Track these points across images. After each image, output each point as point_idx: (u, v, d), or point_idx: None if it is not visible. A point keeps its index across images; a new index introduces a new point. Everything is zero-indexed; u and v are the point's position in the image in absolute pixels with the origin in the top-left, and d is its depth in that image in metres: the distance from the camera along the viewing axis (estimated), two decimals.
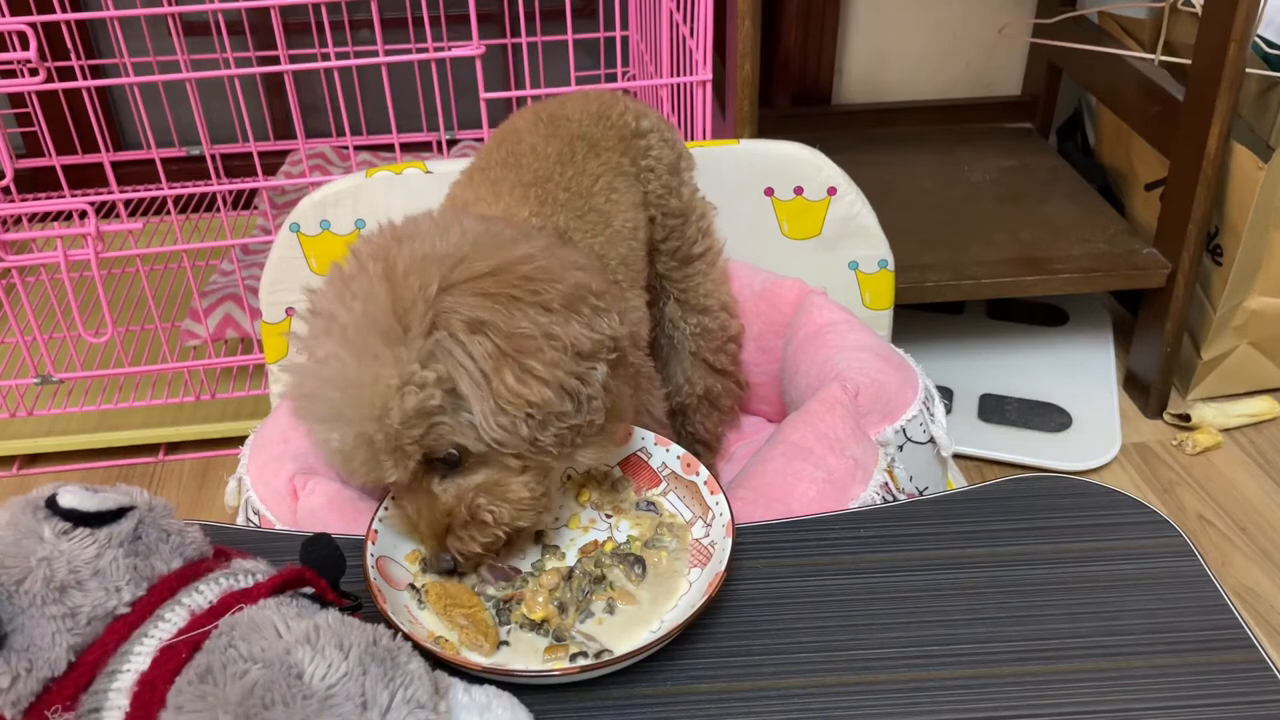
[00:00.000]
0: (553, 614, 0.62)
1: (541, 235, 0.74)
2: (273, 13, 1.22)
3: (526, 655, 0.60)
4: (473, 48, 1.20)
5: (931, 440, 0.90)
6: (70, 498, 0.53)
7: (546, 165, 0.83)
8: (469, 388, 0.62)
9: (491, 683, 0.55)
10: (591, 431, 0.65)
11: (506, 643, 0.61)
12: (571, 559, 0.67)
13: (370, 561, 0.63)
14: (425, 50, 1.40)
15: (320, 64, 1.25)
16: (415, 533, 0.66)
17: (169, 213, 1.50)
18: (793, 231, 1.10)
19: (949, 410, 1.48)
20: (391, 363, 0.60)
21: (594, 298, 0.65)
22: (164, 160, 1.34)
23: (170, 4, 1.58)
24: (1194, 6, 1.45)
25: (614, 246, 0.84)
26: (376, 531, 0.65)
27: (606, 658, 0.58)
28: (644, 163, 0.91)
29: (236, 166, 1.88)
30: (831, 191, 1.08)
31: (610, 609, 0.63)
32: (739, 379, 1.04)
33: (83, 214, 1.28)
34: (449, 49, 1.34)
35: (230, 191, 1.42)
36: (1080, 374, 1.57)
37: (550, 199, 0.81)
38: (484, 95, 1.21)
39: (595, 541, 0.67)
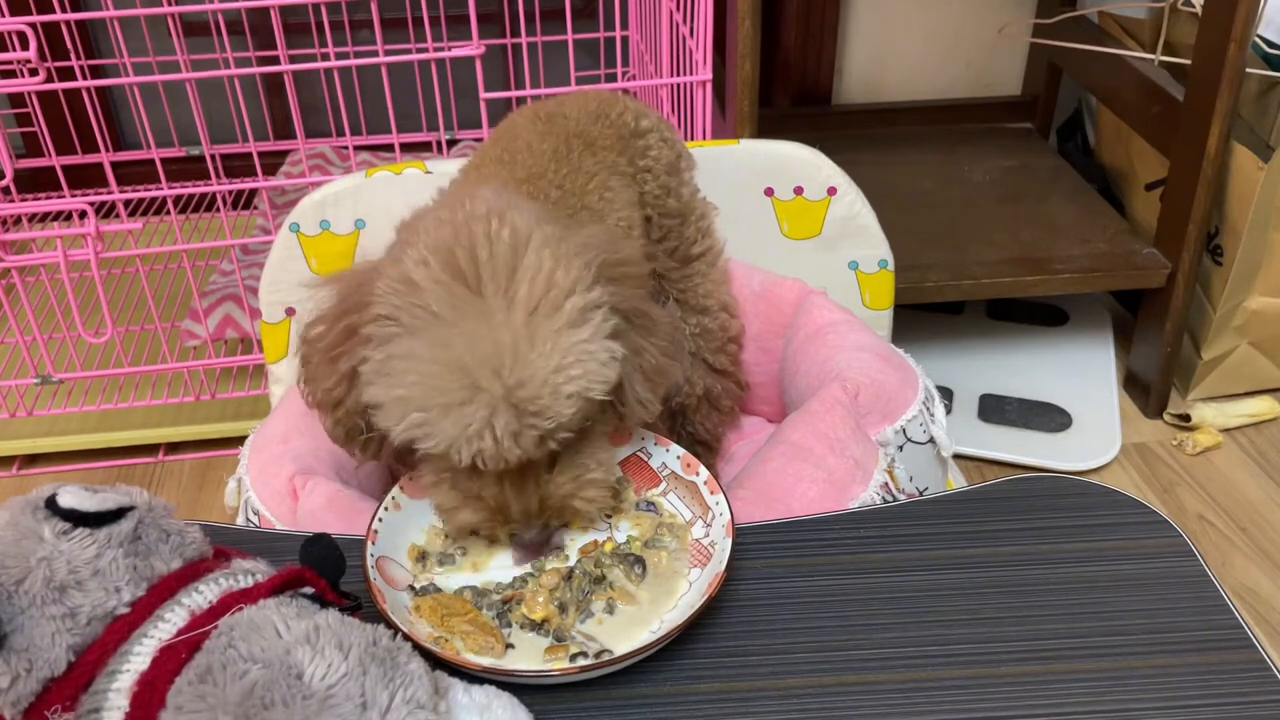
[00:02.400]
0: (553, 614, 0.62)
1: (592, 224, 0.80)
2: (273, 13, 1.22)
3: (527, 655, 0.60)
4: (473, 48, 1.20)
5: (931, 440, 0.90)
6: (70, 498, 0.53)
7: (540, 162, 0.83)
8: (629, 370, 0.66)
9: (491, 683, 0.55)
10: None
11: (512, 645, 0.61)
12: (572, 558, 0.67)
13: (370, 561, 0.62)
14: (425, 50, 1.40)
15: (320, 64, 1.26)
16: (499, 518, 0.65)
17: (169, 213, 1.50)
18: (793, 231, 1.10)
19: (949, 410, 1.48)
20: (573, 343, 0.61)
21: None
22: (164, 160, 1.34)
23: (170, 4, 1.58)
24: (1194, 6, 1.45)
25: None
26: (376, 531, 0.65)
27: (606, 658, 0.58)
28: (642, 163, 0.91)
29: (236, 166, 1.88)
30: (831, 191, 1.08)
31: (610, 609, 0.63)
32: (739, 379, 1.04)
33: (82, 214, 1.28)
34: (449, 49, 1.34)
35: (230, 191, 1.41)
36: (1080, 374, 1.57)
37: (541, 196, 0.81)
38: (484, 95, 1.21)
39: (595, 541, 0.67)
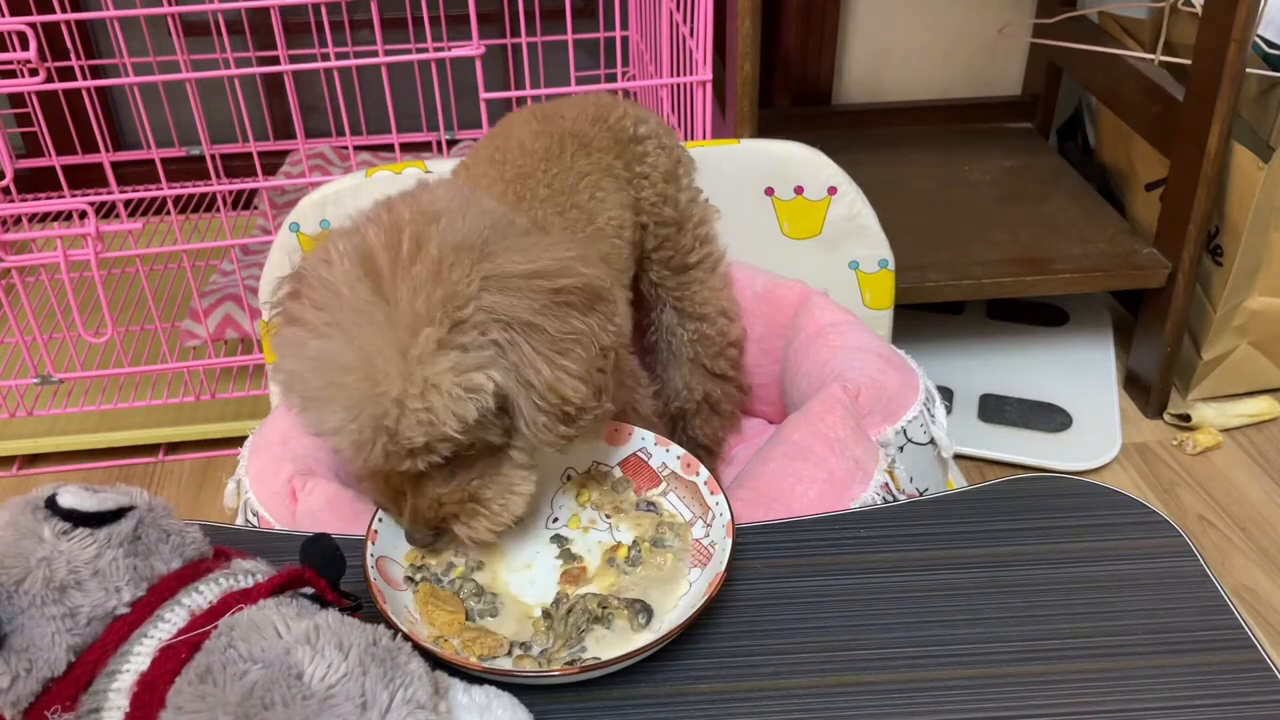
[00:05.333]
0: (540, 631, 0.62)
1: (556, 230, 0.76)
2: (273, 13, 1.22)
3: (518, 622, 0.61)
4: (473, 48, 1.20)
5: (932, 441, 0.90)
6: (70, 498, 0.53)
7: (531, 161, 0.83)
8: (514, 390, 0.62)
9: (491, 683, 0.55)
10: (597, 423, 0.67)
11: (526, 643, 0.61)
12: (579, 548, 0.67)
13: (370, 561, 0.62)
14: (425, 50, 1.40)
15: (320, 64, 1.25)
16: (394, 506, 0.65)
17: (169, 213, 1.50)
18: (793, 231, 1.10)
19: (949, 410, 1.48)
20: (448, 368, 0.59)
21: (607, 293, 0.66)
22: (164, 160, 1.34)
23: (170, 4, 1.58)
24: (1194, 6, 1.45)
25: (595, 243, 0.84)
26: (376, 531, 0.65)
27: (606, 657, 0.58)
28: (639, 169, 0.91)
29: (236, 166, 1.88)
30: (832, 191, 1.08)
31: (608, 625, 0.62)
32: (740, 383, 1.04)
33: (83, 214, 1.27)
34: (449, 49, 1.34)
35: (230, 191, 1.41)
36: (1080, 374, 1.57)
37: (530, 194, 0.81)
38: (484, 95, 1.21)
39: (617, 543, 0.68)
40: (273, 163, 1.82)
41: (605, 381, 0.65)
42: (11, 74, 1.53)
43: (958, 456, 1.42)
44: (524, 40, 1.75)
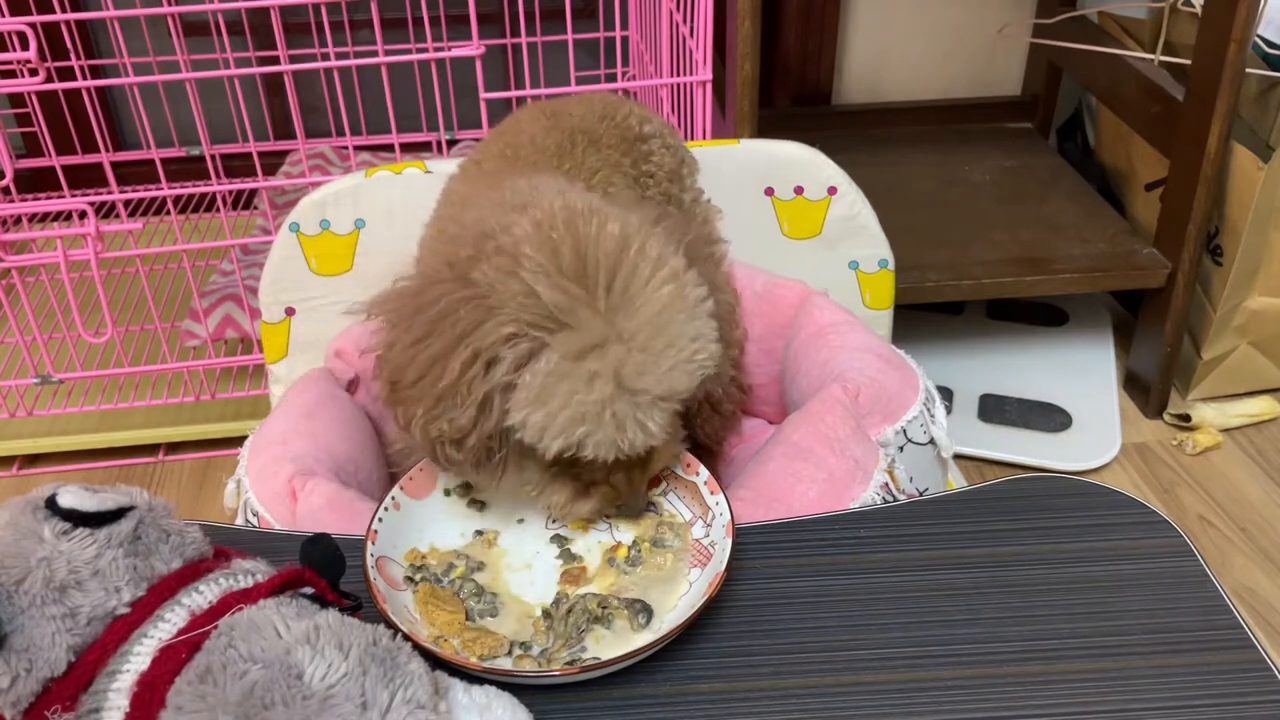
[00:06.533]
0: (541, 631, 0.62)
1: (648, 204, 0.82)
2: (273, 13, 1.22)
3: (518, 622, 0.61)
4: (473, 48, 1.20)
5: (932, 441, 0.90)
6: (70, 498, 0.53)
7: (544, 158, 0.83)
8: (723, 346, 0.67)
9: (491, 683, 0.55)
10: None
11: (526, 643, 0.61)
12: (579, 548, 0.67)
13: (370, 561, 0.62)
14: (425, 50, 1.40)
15: (320, 64, 1.25)
16: (585, 499, 0.67)
17: (169, 213, 1.50)
18: (793, 231, 1.10)
19: (949, 410, 1.48)
20: (699, 325, 0.63)
21: None
22: (164, 160, 1.34)
23: (170, 4, 1.58)
24: (1194, 6, 1.45)
25: None
26: (376, 531, 0.65)
27: (606, 657, 0.58)
28: (645, 167, 0.91)
29: (236, 166, 1.88)
30: (832, 191, 1.08)
31: (608, 625, 0.62)
32: (741, 383, 1.04)
33: (82, 214, 1.27)
34: (449, 49, 1.34)
35: (230, 191, 1.41)
36: (1080, 374, 1.57)
37: None
38: (484, 95, 1.21)
39: (615, 543, 0.68)
40: (273, 163, 1.82)
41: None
42: (11, 74, 1.53)
43: (958, 456, 1.42)
44: (524, 40, 1.75)
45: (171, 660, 0.49)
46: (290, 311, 1.07)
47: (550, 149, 0.84)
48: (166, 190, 1.31)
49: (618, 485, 0.67)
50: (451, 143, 1.86)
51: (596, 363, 0.61)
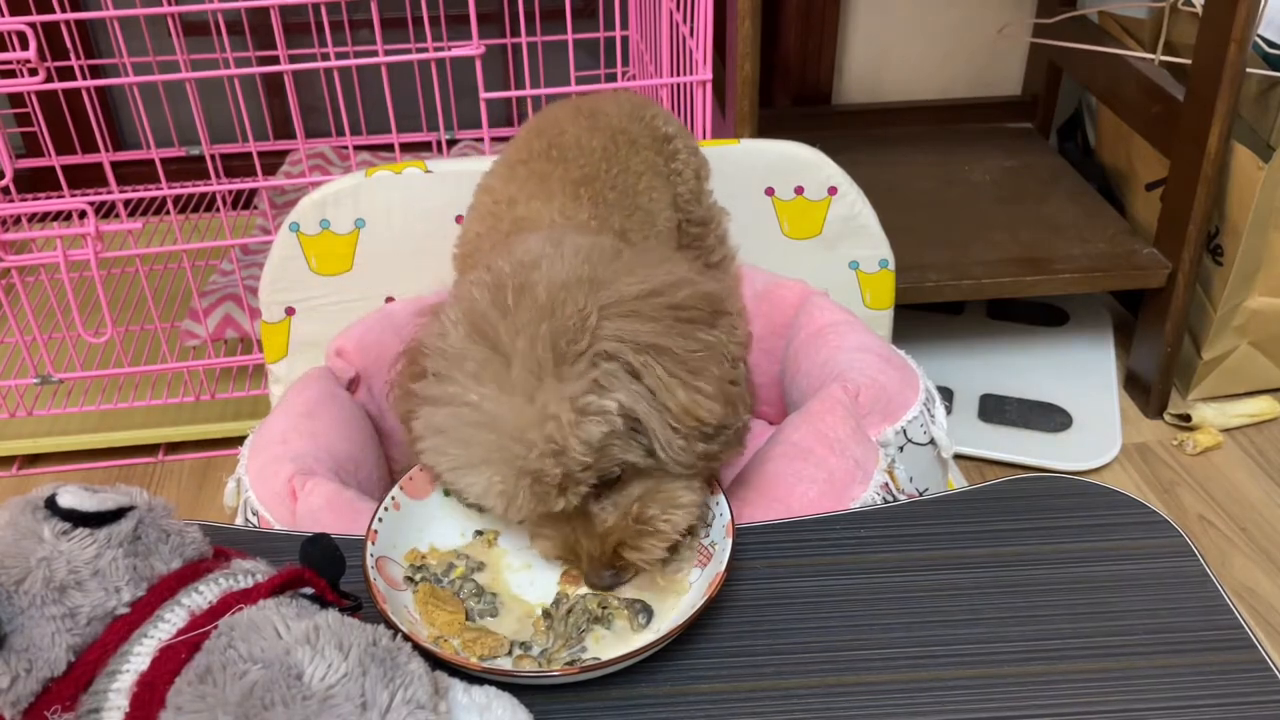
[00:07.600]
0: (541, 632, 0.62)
1: (649, 247, 0.75)
2: (273, 13, 1.22)
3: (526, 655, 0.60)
4: (473, 48, 1.20)
5: (932, 441, 0.90)
6: (70, 498, 0.53)
7: (593, 161, 0.81)
8: (646, 413, 0.61)
9: (491, 683, 0.55)
10: (737, 437, 0.66)
11: (526, 643, 0.61)
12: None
13: (370, 561, 0.62)
14: (425, 50, 1.40)
15: (320, 64, 1.25)
16: (572, 555, 0.64)
17: (169, 213, 1.50)
18: (793, 231, 1.10)
19: (949, 410, 1.48)
20: (565, 397, 0.59)
21: (726, 301, 0.66)
22: (164, 160, 1.34)
23: (170, 4, 1.58)
24: (1194, 6, 1.45)
25: (666, 247, 0.84)
26: (376, 531, 0.65)
27: (606, 657, 0.58)
28: (673, 165, 0.90)
29: (236, 166, 1.88)
30: (832, 191, 1.08)
31: (608, 625, 0.62)
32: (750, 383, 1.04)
33: (82, 214, 1.27)
34: (449, 49, 1.34)
35: (230, 191, 1.41)
36: (1080, 374, 1.57)
37: (601, 199, 0.79)
38: (484, 95, 1.21)
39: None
40: (272, 163, 1.82)
41: (740, 394, 0.64)
42: (11, 74, 1.53)
43: (958, 456, 1.42)
44: (524, 40, 1.75)
45: (171, 660, 0.49)
46: (290, 311, 1.07)
47: (597, 151, 0.82)
48: (166, 190, 1.31)
49: (567, 539, 0.64)
50: (451, 142, 1.86)
51: (473, 417, 0.61)
